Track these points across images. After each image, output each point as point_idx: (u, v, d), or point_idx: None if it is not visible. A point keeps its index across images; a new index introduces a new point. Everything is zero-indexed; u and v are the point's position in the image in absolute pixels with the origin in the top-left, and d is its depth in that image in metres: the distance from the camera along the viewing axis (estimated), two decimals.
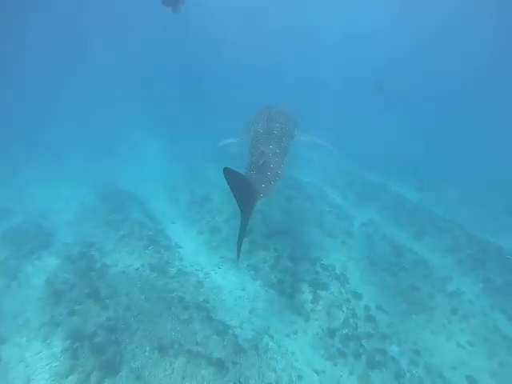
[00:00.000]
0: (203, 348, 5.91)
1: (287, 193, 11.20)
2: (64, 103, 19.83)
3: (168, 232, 9.41)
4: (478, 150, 18.64)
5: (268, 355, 6.09)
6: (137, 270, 7.81)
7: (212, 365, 5.70)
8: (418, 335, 6.79)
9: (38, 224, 9.35)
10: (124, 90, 22.77)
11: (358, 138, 18.42)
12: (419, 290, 7.80)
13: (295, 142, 7.13)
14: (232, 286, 7.69)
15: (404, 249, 9.14)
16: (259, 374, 5.64)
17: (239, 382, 5.47)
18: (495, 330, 7.02)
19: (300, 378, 5.75)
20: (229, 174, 4.28)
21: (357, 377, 5.87)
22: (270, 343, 6.37)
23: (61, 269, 7.62)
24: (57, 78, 23.26)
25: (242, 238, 4.63)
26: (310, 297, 7.29)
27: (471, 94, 30.23)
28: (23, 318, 6.48)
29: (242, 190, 4.64)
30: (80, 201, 10.87)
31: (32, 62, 24.10)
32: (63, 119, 17.29)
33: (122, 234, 9.01)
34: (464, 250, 9.20)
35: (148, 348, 5.97)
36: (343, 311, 7.09)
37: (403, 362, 6.16)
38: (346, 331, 6.67)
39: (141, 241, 8.77)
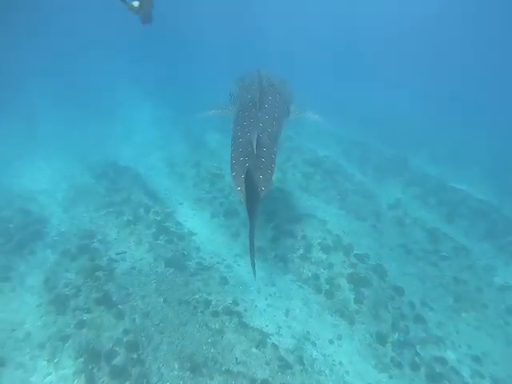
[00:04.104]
0: (244, 367, 5.06)
1: (304, 168, 10.14)
2: (38, 56, 17.23)
3: (177, 216, 8.26)
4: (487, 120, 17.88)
5: (315, 368, 5.35)
6: (150, 265, 6.73)
7: None
8: (472, 337, 6.20)
9: (24, 209, 7.94)
10: (111, 48, 20.16)
11: (362, 105, 17.25)
12: (465, 282, 7.15)
13: (289, 120, 6.09)
14: (260, 281, 6.78)
15: (439, 233, 8.43)
16: None
17: None
18: None
19: None
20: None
21: None
22: (314, 352, 5.61)
23: (60, 267, 6.45)
24: (30, 24, 20.14)
25: (253, 249, 3.74)
26: (352, 296, 6.50)
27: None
28: (23, 332, 5.36)
29: (250, 192, 3.78)
30: (69, 178, 9.41)
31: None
32: (37, 76, 15.05)
33: (126, 219, 7.81)
34: (504, 235, 8.56)
35: (177, 366, 5.08)
36: (389, 311, 6.37)
37: (465, 373, 5.55)
38: (397, 336, 5.97)
39: (149, 228, 7.63)
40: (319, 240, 7.53)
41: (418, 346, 5.84)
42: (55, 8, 21.81)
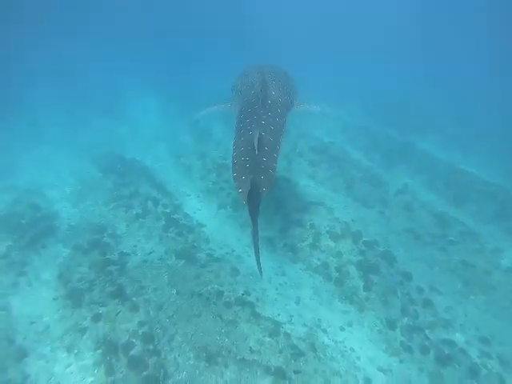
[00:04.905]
0: (258, 356, 5.18)
1: (310, 156, 10.11)
2: (41, 54, 17.13)
3: (185, 208, 8.33)
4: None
5: (327, 355, 5.45)
6: (160, 258, 6.83)
7: (270, 374, 5.01)
8: (480, 319, 6.28)
9: (34, 203, 8.03)
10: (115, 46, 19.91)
11: (367, 87, 16.99)
12: (473, 266, 7.19)
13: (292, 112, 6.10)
14: (270, 270, 6.88)
15: (447, 217, 8.43)
16: (325, 382, 5.01)
17: None
18: None
19: (368, 380, 5.17)
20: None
21: (428, 375, 5.34)
22: (326, 339, 5.71)
23: (73, 261, 6.57)
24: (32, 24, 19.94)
25: (257, 248, 3.97)
26: (362, 283, 6.57)
27: None
28: (42, 324, 5.50)
29: (251, 194, 3.98)
30: (76, 172, 9.49)
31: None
32: (41, 70, 15.00)
33: (135, 213, 7.89)
34: None
35: (192, 355, 5.20)
36: (398, 297, 6.45)
37: (473, 354, 5.65)
38: (406, 321, 6.07)
39: (158, 221, 7.71)
40: (327, 228, 7.56)
41: (427, 330, 5.93)
42: (58, 7, 21.58)
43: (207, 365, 5.09)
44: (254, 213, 3.91)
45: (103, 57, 18.74)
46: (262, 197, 4.12)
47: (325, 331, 5.84)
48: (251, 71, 6.35)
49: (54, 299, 5.91)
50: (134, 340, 5.29)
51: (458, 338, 5.93)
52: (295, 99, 6.09)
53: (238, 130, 5.06)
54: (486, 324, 6.21)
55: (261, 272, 4.05)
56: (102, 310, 5.69)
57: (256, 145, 4.24)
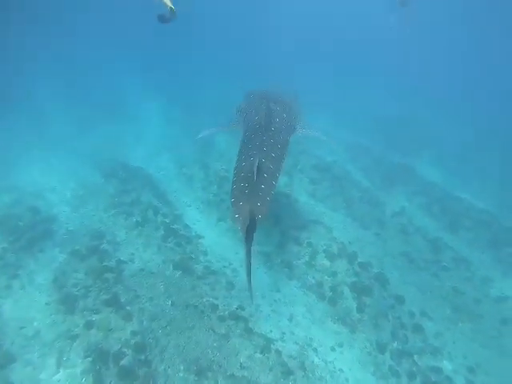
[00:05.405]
0: (248, 372, 5.22)
1: (312, 174, 10.24)
2: (48, 56, 17.30)
3: (185, 219, 8.40)
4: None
5: (316, 375, 5.50)
6: (158, 267, 6.88)
7: None
8: (467, 348, 6.36)
9: (33, 206, 8.03)
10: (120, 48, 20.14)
11: (365, 106, 17.21)
12: (463, 293, 7.30)
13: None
14: (265, 286, 6.94)
15: (441, 243, 8.56)
16: None
17: None
18: None
19: None
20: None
21: None
22: (316, 359, 5.76)
23: (69, 266, 6.59)
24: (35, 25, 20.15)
25: (249, 272, 3.98)
26: (355, 304, 6.64)
27: None
28: (32, 329, 5.49)
29: (248, 227, 4.06)
30: (78, 176, 9.52)
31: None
32: (41, 70, 15.12)
33: (135, 221, 7.95)
34: (503, 247, 8.68)
35: (182, 368, 5.23)
36: (389, 320, 6.52)
37: (459, 383, 5.70)
38: (395, 345, 6.12)
39: (157, 230, 7.77)
40: (324, 247, 7.65)
41: (415, 356, 6.01)
42: (65, 7, 21.84)
43: (196, 378, 5.12)
44: (248, 241, 4.01)
45: (104, 57, 18.90)
46: (257, 224, 4.20)
47: (315, 350, 5.90)
48: (256, 95, 6.50)
49: (46, 304, 5.91)
50: (125, 349, 5.31)
51: (446, 365, 6.00)
52: (298, 124, 6.21)
53: (240, 154, 5.17)
54: (474, 353, 6.29)
55: (252, 297, 4.13)
56: (95, 317, 5.71)
57: (255, 172, 4.35)
